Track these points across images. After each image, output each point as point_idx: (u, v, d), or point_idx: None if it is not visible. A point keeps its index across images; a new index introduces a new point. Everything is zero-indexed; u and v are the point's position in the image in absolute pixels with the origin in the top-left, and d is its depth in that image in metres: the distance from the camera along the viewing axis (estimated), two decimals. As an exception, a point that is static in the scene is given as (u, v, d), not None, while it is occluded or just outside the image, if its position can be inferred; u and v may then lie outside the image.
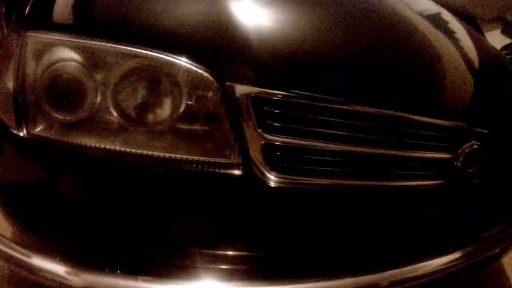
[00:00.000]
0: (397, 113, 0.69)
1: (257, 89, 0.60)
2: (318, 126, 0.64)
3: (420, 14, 0.94)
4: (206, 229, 0.66)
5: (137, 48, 0.60)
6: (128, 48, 0.60)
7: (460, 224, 0.84)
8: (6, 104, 0.64)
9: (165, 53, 0.59)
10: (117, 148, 0.62)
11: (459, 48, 0.90)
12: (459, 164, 0.77)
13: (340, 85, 0.65)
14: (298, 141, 0.63)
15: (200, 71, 0.59)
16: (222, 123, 0.61)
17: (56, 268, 0.60)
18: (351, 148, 0.66)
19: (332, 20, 0.72)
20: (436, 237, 0.82)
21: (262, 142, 0.61)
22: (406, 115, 0.70)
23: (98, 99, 0.61)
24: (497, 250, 0.87)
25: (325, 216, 0.71)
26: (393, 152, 0.71)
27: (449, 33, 0.95)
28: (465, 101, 0.80)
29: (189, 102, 0.61)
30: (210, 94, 0.60)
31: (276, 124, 0.62)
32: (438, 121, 0.73)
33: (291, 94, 0.60)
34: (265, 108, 0.61)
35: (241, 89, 0.60)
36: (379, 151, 0.70)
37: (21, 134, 0.63)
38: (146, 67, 0.60)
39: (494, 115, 0.84)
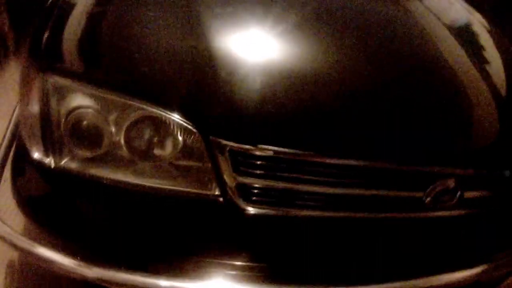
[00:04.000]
0: (361, 162, 0.81)
1: (233, 144, 0.76)
2: (283, 171, 0.79)
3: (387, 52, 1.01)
4: (198, 241, 0.84)
5: (142, 103, 0.76)
6: (135, 102, 0.76)
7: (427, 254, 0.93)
8: (34, 135, 0.79)
9: (163, 109, 0.76)
10: (128, 180, 0.79)
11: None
12: (427, 201, 0.87)
13: (307, 140, 0.80)
14: (264, 182, 0.80)
15: (189, 126, 0.76)
16: (206, 165, 0.77)
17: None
18: (316, 189, 0.82)
19: (299, 88, 0.85)
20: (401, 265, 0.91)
21: (235, 182, 0.78)
22: (368, 163, 0.81)
23: (113, 139, 0.77)
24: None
25: (293, 241, 0.86)
26: (358, 192, 0.84)
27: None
28: (432, 147, 0.88)
29: (183, 146, 0.78)
30: (197, 143, 0.77)
31: (247, 170, 0.78)
32: (398, 167, 0.84)
33: (259, 148, 0.77)
34: (239, 158, 0.77)
35: (220, 142, 0.75)
36: (341, 190, 0.83)
37: (50, 164, 0.79)
38: (149, 117, 0.76)
39: (471, 155, 0.90)
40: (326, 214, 0.84)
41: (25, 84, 0.84)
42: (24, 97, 0.84)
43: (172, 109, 0.75)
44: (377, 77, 0.91)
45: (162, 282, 0.76)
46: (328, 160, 0.79)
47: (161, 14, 0.90)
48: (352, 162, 0.80)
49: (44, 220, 0.86)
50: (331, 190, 0.82)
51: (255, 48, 0.89)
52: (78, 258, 0.77)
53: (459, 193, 0.88)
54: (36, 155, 0.80)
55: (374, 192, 0.84)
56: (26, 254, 0.83)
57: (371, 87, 0.89)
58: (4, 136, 1.04)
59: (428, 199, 0.87)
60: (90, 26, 0.88)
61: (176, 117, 0.75)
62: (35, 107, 0.79)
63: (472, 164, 0.90)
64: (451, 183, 0.87)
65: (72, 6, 0.93)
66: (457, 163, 0.88)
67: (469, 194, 0.91)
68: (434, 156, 0.87)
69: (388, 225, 0.89)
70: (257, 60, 0.87)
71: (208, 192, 0.79)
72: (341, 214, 0.85)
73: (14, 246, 0.83)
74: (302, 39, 0.94)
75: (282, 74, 0.83)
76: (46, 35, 0.85)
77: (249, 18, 0.97)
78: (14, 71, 2.69)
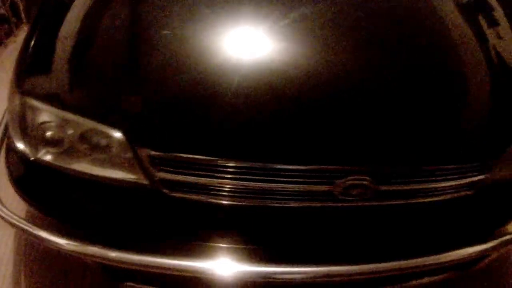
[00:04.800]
0: (268, 164, 0.96)
1: (152, 152, 0.97)
2: (194, 169, 0.98)
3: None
4: (136, 218, 1.06)
5: (86, 120, 0.99)
6: (82, 119, 0.99)
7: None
8: (16, 133, 1.06)
9: (106, 126, 0.98)
10: (84, 170, 1.02)
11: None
12: (335, 193, 0.99)
13: (213, 147, 0.97)
14: (180, 177, 0.99)
15: (124, 139, 0.97)
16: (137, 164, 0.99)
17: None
18: (224, 182, 0.99)
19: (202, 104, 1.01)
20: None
21: (157, 177, 0.99)
22: (277, 165, 0.96)
23: (70, 143, 1.01)
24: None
25: (207, 221, 1.06)
26: (259, 185, 0.99)
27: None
28: (335, 147, 0.98)
29: (118, 151, 0.99)
30: (127, 152, 0.98)
31: (165, 168, 0.98)
32: (300, 167, 0.97)
33: (171, 155, 0.97)
34: (157, 160, 0.98)
35: (143, 151, 0.97)
36: (246, 184, 0.98)
37: (29, 156, 1.04)
38: (94, 130, 0.99)
39: (379, 153, 1.00)
40: (236, 202, 1.02)
41: (11, 92, 1.08)
42: (10, 100, 1.07)
43: (109, 125, 0.98)
44: (276, 81, 1.03)
45: (111, 253, 1.00)
46: (228, 163, 0.97)
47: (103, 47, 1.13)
48: (250, 164, 0.97)
49: (27, 195, 1.09)
50: (237, 184, 0.99)
51: (173, 74, 1.06)
52: (53, 231, 1.04)
53: (372, 186, 0.99)
54: (19, 147, 1.04)
55: (279, 185, 0.99)
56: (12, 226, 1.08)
57: (270, 91, 1.02)
58: (3, 118, 1.22)
59: (337, 192, 0.99)
60: (55, 59, 1.11)
61: (111, 130, 0.98)
62: (16, 114, 1.04)
63: (381, 160, 1.00)
64: (362, 178, 0.98)
65: (48, 34, 1.17)
66: (362, 161, 0.99)
67: (385, 188, 1.01)
68: (335, 156, 0.98)
69: (302, 213, 1.05)
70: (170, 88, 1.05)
71: (143, 182, 1.01)
72: (251, 203, 1.02)
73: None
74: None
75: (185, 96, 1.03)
76: (27, 61, 1.13)
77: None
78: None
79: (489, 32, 1.30)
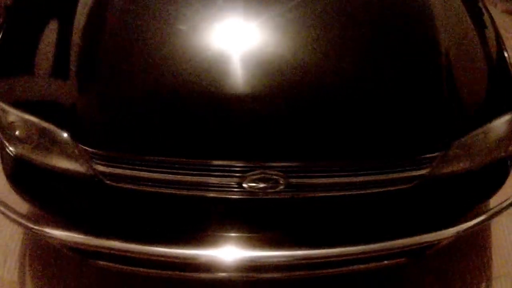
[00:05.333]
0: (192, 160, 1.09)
1: (92, 150, 1.11)
2: (127, 164, 1.11)
3: None
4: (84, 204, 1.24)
5: (43, 120, 1.14)
6: (38, 120, 1.14)
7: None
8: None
9: (55, 126, 1.13)
10: (47, 162, 1.19)
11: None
12: (245, 185, 1.10)
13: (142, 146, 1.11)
14: (117, 170, 1.13)
15: (68, 137, 1.12)
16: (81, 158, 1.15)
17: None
18: (156, 175, 1.13)
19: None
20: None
21: (98, 170, 1.14)
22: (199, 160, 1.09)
23: (35, 138, 1.17)
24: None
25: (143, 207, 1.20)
26: (183, 178, 1.12)
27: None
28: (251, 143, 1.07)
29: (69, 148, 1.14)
30: (73, 148, 1.13)
31: (104, 162, 1.13)
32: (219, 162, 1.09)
33: (108, 153, 1.11)
34: (96, 156, 1.12)
35: (84, 148, 1.11)
36: (170, 177, 1.13)
37: (11, 151, 1.22)
38: (48, 129, 1.14)
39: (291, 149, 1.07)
40: (164, 191, 1.16)
41: None
42: None
43: (57, 126, 1.13)
44: (188, 85, 1.14)
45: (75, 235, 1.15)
46: (153, 159, 1.11)
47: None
48: (172, 159, 1.10)
49: (15, 184, 1.27)
50: (162, 176, 1.13)
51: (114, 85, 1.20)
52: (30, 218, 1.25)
53: (282, 180, 1.08)
54: (3, 142, 1.23)
55: (196, 178, 1.12)
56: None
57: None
58: None
59: (246, 185, 1.10)
60: (16, 62, 1.28)
61: (59, 130, 1.13)
62: None
63: (286, 156, 1.08)
64: (270, 172, 1.07)
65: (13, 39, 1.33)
66: (268, 157, 1.08)
67: (296, 181, 1.10)
68: (241, 152, 1.08)
69: (218, 203, 1.18)
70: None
71: (88, 173, 1.16)
72: (176, 192, 1.16)
73: None
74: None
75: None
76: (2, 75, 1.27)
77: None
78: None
79: (443, 36, 1.30)
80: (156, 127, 1.11)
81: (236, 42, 1.21)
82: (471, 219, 1.19)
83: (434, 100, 1.16)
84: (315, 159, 1.08)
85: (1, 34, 1.35)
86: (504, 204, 1.22)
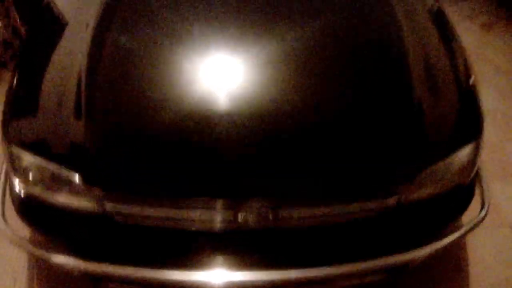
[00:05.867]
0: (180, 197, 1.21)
1: (101, 191, 1.20)
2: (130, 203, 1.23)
3: None
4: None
5: (56, 164, 1.23)
6: (53, 164, 1.24)
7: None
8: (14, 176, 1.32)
9: (69, 169, 1.21)
10: (58, 201, 1.28)
11: None
12: (240, 220, 1.20)
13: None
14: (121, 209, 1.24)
15: (81, 179, 1.20)
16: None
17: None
18: (159, 211, 1.24)
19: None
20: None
21: (109, 209, 1.24)
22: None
23: (47, 180, 1.26)
24: None
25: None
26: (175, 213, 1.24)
27: None
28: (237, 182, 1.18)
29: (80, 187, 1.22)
30: (85, 188, 1.21)
31: (116, 203, 1.24)
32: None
33: (123, 194, 1.23)
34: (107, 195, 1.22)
35: (95, 189, 1.20)
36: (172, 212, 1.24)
37: (21, 189, 1.32)
38: (60, 172, 1.22)
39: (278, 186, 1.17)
40: (164, 226, 1.28)
41: (0, 136, 1.33)
42: (1, 144, 1.33)
43: (71, 168, 1.22)
44: (175, 126, 1.25)
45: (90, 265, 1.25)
46: (162, 197, 1.22)
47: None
48: (168, 197, 1.22)
49: (25, 218, 1.35)
50: (162, 212, 1.24)
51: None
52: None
53: (271, 213, 1.19)
54: (14, 183, 1.32)
55: (192, 213, 1.23)
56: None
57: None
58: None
59: (240, 218, 1.21)
60: (27, 106, 1.36)
61: (72, 173, 1.21)
62: (7, 157, 1.30)
63: (273, 192, 1.19)
64: (258, 206, 1.18)
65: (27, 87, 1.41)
66: (255, 193, 1.19)
67: (285, 214, 1.22)
68: (235, 190, 1.19)
69: (214, 236, 1.28)
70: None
71: (100, 211, 1.26)
72: (175, 226, 1.27)
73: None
74: None
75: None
76: (10, 106, 1.37)
77: None
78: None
79: (414, 70, 1.37)
80: (165, 169, 1.21)
81: (221, 85, 1.32)
82: (442, 238, 1.31)
83: (403, 136, 1.25)
84: (299, 195, 1.20)
85: (15, 76, 1.44)
86: (471, 224, 1.35)
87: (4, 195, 1.40)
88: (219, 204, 1.20)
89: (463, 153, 1.28)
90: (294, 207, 1.22)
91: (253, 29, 1.44)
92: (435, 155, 1.24)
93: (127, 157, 1.23)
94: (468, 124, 1.35)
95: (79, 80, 1.33)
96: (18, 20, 2.91)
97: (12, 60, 2.93)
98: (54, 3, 1.62)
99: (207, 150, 1.21)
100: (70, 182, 1.22)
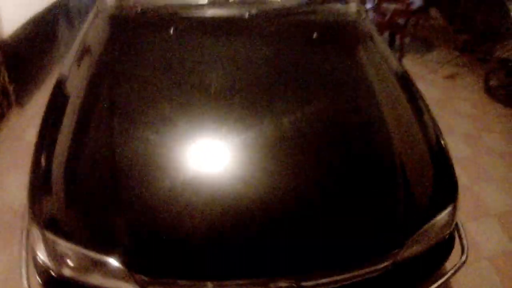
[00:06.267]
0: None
1: (142, 277, 1.23)
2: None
3: None
4: None
5: (94, 252, 1.24)
6: (92, 252, 1.25)
7: None
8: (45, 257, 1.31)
9: (108, 257, 1.23)
10: (93, 283, 1.28)
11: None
12: None
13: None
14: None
15: (120, 265, 1.22)
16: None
17: None
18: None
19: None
20: None
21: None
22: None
23: (83, 266, 1.28)
24: None
25: None
26: None
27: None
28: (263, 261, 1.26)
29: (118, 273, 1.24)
30: (125, 275, 1.24)
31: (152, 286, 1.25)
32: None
33: (157, 279, 1.24)
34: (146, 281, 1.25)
35: (136, 276, 1.23)
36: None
37: (54, 271, 1.31)
38: (99, 259, 1.24)
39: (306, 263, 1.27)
40: None
41: (29, 217, 1.32)
42: (30, 224, 1.32)
43: (109, 256, 1.24)
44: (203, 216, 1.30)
45: None
46: (201, 282, 1.26)
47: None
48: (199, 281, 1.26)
49: None
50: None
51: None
52: None
53: (296, 285, 1.28)
54: (44, 262, 1.31)
55: None
56: None
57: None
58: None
59: None
60: (59, 186, 1.36)
61: (111, 260, 1.23)
62: (38, 240, 1.29)
63: (297, 270, 1.28)
64: (286, 283, 1.27)
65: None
66: (280, 273, 1.27)
67: (307, 284, 1.30)
68: (259, 269, 1.27)
69: None
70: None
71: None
72: None
73: None
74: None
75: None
76: (38, 185, 1.37)
77: None
78: (16, 119, 2.93)
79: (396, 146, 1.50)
80: (204, 255, 1.26)
81: (239, 172, 1.40)
82: (431, 284, 1.44)
83: (393, 212, 1.37)
84: (316, 268, 1.30)
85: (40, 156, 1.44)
86: (455, 268, 1.49)
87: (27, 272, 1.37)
88: (253, 284, 1.26)
89: (444, 214, 1.41)
90: (313, 278, 1.31)
91: (243, 120, 1.55)
92: (420, 222, 1.37)
93: (168, 244, 1.27)
94: (446, 188, 1.48)
95: (116, 163, 1.38)
96: (6, 79, 2.98)
97: (0, 120, 2.91)
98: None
99: (240, 237, 1.29)
100: (110, 269, 1.24)
